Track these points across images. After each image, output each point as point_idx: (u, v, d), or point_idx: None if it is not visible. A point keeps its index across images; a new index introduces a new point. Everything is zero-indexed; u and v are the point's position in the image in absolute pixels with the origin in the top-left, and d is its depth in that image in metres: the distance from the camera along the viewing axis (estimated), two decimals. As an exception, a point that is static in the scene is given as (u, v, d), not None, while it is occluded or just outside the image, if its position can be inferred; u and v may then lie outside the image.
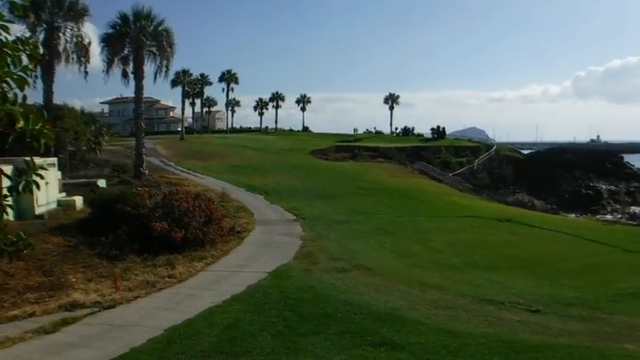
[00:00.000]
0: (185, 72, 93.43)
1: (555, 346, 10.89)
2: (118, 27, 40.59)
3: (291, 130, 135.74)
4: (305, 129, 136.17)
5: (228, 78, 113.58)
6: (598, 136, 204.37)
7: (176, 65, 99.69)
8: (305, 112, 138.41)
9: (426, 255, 21.59)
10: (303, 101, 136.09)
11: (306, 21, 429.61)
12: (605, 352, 10.42)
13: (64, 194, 27.49)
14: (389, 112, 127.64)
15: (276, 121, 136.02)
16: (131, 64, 41.18)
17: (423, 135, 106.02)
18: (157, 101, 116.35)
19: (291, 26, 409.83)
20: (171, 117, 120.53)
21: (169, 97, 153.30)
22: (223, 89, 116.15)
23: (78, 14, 38.11)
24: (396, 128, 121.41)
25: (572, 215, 48.61)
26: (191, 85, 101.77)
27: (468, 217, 31.25)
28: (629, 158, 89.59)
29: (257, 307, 13.68)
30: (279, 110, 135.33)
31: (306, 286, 15.72)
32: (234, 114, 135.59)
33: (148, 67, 41.43)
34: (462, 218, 31.08)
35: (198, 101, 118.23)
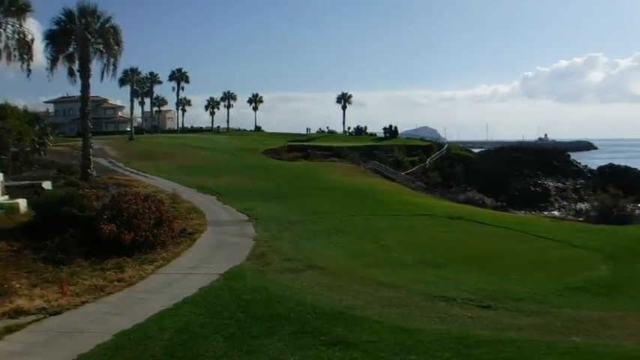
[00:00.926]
0: (133, 70, 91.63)
1: (505, 340, 11.09)
2: (62, 23, 39.37)
3: (243, 130, 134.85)
4: (257, 129, 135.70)
5: (179, 77, 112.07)
6: (546, 135, 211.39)
7: (124, 63, 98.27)
8: (257, 112, 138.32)
9: (379, 254, 21.71)
10: (255, 101, 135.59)
11: (259, 19, 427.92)
12: (553, 345, 10.68)
13: (6, 197, 26.47)
14: (342, 111, 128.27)
15: (228, 121, 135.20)
16: (77, 62, 39.98)
17: (375, 134, 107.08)
18: (105, 100, 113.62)
19: (243, 25, 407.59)
20: (120, 117, 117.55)
21: (118, 96, 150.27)
22: (173, 88, 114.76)
23: (20, 9, 36.61)
24: (349, 128, 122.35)
25: (522, 212, 49.79)
26: (140, 84, 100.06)
27: (421, 216, 31.60)
28: (575, 156, 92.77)
29: (209, 310, 13.46)
30: (231, 110, 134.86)
31: (259, 287, 15.57)
32: (185, 113, 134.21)
33: (95, 65, 40.27)
34: (415, 217, 31.41)
35: (147, 100, 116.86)
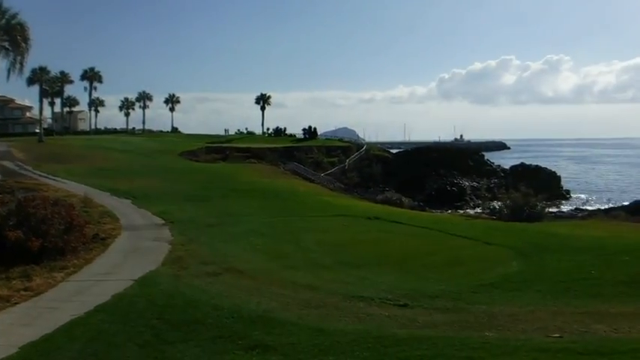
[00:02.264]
0: (43, 69, 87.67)
1: (421, 337, 11.35)
2: None
3: (160, 132, 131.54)
4: (174, 130, 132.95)
5: (91, 76, 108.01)
6: (461, 135, 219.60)
7: (32, 62, 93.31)
8: (174, 113, 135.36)
9: (297, 255, 21.70)
10: (172, 101, 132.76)
11: (175, 18, 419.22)
12: (467, 340, 11.02)
13: None
14: (261, 112, 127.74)
15: (143, 122, 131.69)
16: None
17: (294, 135, 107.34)
18: (12, 100, 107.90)
19: (159, 23, 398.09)
20: (28, 117, 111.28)
21: (25, 96, 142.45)
22: (86, 88, 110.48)
23: None
24: (268, 129, 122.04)
25: (438, 211, 51.17)
26: (50, 84, 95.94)
27: (339, 216, 31.91)
28: (489, 156, 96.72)
29: (122, 317, 12.98)
30: (146, 111, 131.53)
31: (175, 292, 15.20)
32: (99, 114, 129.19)
33: (1, 64, 38.27)
34: (333, 217, 31.69)
35: (58, 101, 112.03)
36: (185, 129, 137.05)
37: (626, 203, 53.67)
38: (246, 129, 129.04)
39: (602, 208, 52.39)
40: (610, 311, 13.71)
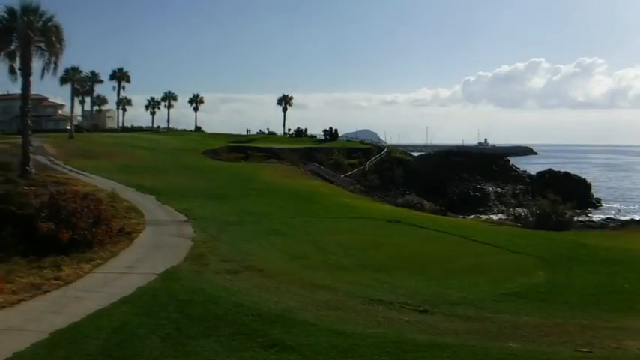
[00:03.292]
0: (75, 69, 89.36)
1: (442, 345, 11.15)
2: (4, 21, 38.87)
3: (183, 130, 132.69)
4: (197, 129, 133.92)
5: (120, 76, 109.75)
6: (485, 140, 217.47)
7: (65, 62, 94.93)
8: (198, 112, 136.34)
9: (317, 256, 21.68)
10: (196, 101, 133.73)
11: (200, 20, 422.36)
12: (490, 350, 10.77)
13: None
14: (282, 113, 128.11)
15: (168, 121, 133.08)
16: (18, 60, 39.39)
17: (315, 136, 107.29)
18: (46, 98, 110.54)
19: (185, 24, 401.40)
20: (60, 115, 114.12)
21: (58, 95, 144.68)
22: (114, 87, 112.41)
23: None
24: (289, 129, 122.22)
25: (460, 216, 50.31)
26: (81, 83, 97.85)
27: (359, 219, 31.83)
28: (514, 161, 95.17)
29: (146, 310, 13.13)
30: (171, 110, 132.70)
31: (196, 287, 15.32)
32: (126, 113, 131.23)
33: (36, 63, 39.50)
34: (353, 219, 31.62)
35: (88, 99, 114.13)
36: (208, 128, 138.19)
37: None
38: (268, 129, 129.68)
39: (636, 218, 51.20)
40: (644, 327, 13.32)
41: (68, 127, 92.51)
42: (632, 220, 46.83)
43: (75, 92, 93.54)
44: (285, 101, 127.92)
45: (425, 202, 50.38)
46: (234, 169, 59.76)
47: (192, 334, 11.48)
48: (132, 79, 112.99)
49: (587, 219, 51.81)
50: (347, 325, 12.71)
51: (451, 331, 12.51)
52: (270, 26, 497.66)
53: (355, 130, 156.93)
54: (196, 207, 31.54)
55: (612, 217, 57.01)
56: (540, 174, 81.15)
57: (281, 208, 34.53)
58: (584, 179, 78.52)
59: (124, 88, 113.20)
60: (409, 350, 10.78)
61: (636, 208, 69.18)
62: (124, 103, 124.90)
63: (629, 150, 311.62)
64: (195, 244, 21.95)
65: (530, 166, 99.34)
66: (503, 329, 12.77)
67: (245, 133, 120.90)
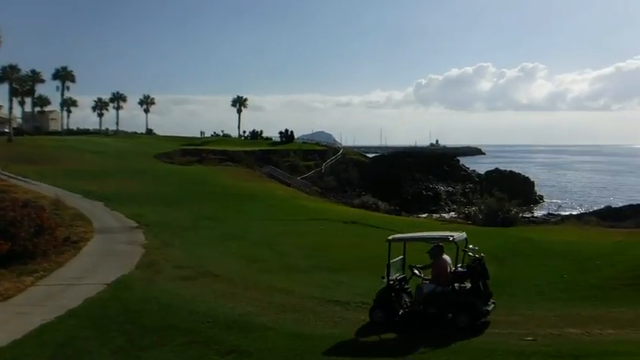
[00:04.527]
0: (13, 67, 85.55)
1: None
2: None
3: (134, 133, 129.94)
4: (149, 132, 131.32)
5: (64, 75, 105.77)
6: (437, 141, 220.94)
7: (2, 60, 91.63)
8: (149, 114, 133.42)
9: (274, 259, 21.60)
10: (146, 102, 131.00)
11: (151, 19, 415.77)
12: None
13: None
14: (237, 115, 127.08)
15: (117, 123, 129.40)
16: None
17: (271, 138, 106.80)
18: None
19: (134, 23, 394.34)
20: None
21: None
22: (58, 87, 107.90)
23: None
24: (244, 131, 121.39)
25: (414, 215, 51.19)
26: (20, 82, 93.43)
27: (316, 220, 31.87)
28: (464, 161, 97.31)
29: (95, 322, 12.82)
30: (120, 112, 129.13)
31: (148, 296, 15.05)
32: (71, 115, 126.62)
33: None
34: (310, 221, 31.64)
35: (28, 100, 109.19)
36: (160, 131, 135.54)
37: (597, 208, 54.45)
38: (223, 132, 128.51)
39: (575, 213, 52.97)
40: (582, 314, 13.89)
41: (6, 130, 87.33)
42: (571, 215, 48.56)
43: (13, 92, 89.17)
44: (239, 103, 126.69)
45: (380, 203, 50.71)
46: (188, 172, 58.96)
47: (145, 345, 11.27)
48: (77, 78, 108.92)
49: (531, 215, 53.49)
50: (305, 327, 12.79)
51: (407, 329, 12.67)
52: (225, 26, 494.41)
53: (311, 132, 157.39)
54: (148, 212, 30.95)
55: (553, 212, 59.08)
56: (488, 173, 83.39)
57: (237, 211, 34.25)
58: (528, 177, 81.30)
59: (68, 88, 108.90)
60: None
61: (575, 203, 71.78)
62: (68, 104, 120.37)
63: (568, 150, 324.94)
64: (148, 251, 21.57)
65: (478, 166, 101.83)
66: None
67: (199, 136, 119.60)
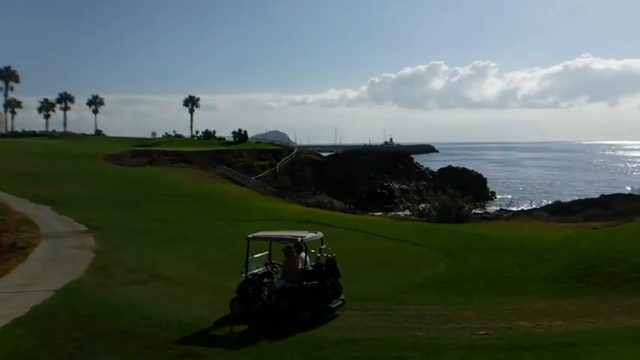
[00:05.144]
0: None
1: (353, 340, 11.51)
2: None
3: (82, 134, 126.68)
4: (98, 133, 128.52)
5: (7, 75, 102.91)
6: (391, 139, 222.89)
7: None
8: (98, 115, 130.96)
9: (228, 260, 21.23)
10: (95, 103, 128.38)
11: (99, 15, 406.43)
12: (398, 340, 11.25)
13: None
14: (189, 115, 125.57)
15: (64, 125, 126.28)
16: None
17: (224, 138, 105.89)
18: None
19: (81, 20, 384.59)
20: None
21: None
22: (1, 88, 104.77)
23: None
24: (197, 132, 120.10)
25: (369, 214, 51.55)
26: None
27: (270, 220, 31.63)
28: (418, 159, 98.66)
29: (43, 330, 12.40)
30: (68, 112, 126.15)
31: (99, 302, 14.68)
32: (15, 116, 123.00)
33: None
34: (264, 221, 31.36)
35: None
36: (110, 132, 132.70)
37: (546, 204, 56.02)
38: (175, 132, 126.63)
39: (525, 208, 54.36)
40: (532, 307, 14.27)
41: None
42: (522, 211, 49.71)
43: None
44: (192, 102, 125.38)
45: (335, 202, 50.84)
46: (140, 174, 57.80)
47: (96, 352, 11.02)
48: (21, 79, 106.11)
49: (483, 211, 54.89)
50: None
51: (362, 326, 12.86)
52: (177, 25, 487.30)
53: (265, 132, 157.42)
54: (98, 216, 30.17)
55: (505, 208, 60.52)
56: (441, 170, 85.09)
57: (190, 213, 33.77)
58: (481, 174, 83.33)
59: (12, 88, 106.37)
60: (321, 348, 11.05)
61: (525, 199, 73.76)
62: (12, 105, 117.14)
63: (518, 146, 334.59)
64: (98, 255, 21.04)
65: (432, 163, 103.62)
66: (410, 320, 13.30)
67: (150, 137, 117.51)
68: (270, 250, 15.22)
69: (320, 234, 15.26)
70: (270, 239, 15.57)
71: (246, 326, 12.97)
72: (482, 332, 11.73)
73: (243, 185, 58.96)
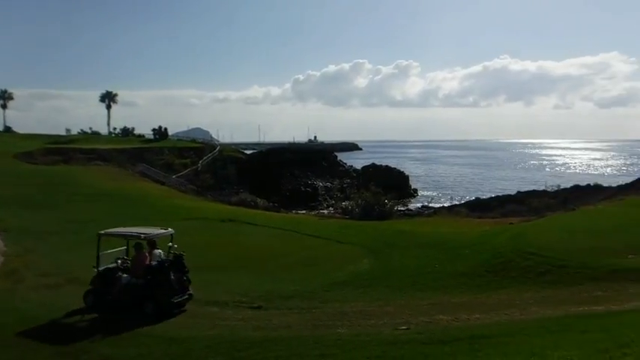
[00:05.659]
0: None
1: (276, 339, 11.47)
2: None
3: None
4: (7, 129, 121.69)
5: None
6: (315, 137, 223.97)
7: None
8: (7, 111, 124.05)
9: (149, 261, 20.78)
10: (3, 97, 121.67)
11: (9, 4, 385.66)
12: (320, 338, 11.27)
13: None
14: (107, 111, 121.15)
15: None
16: None
17: (144, 136, 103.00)
18: None
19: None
20: None
21: None
22: None
23: None
24: (115, 129, 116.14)
25: (293, 212, 51.54)
26: None
27: (192, 220, 31.04)
28: (342, 157, 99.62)
29: (-57, 342, 11.56)
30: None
31: (8, 308, 13.94)
32: None
33: None
34: (186, 221, 30.68)
35: None
36: (21, 128, 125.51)
37: (466, 200, 57.97)
38: (91, 129, 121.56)
39: (446, 205, 56.00)
40: (452, 301, 14.73)
41: None
42: (443, 207, 51.22)
43: None
44: (109, 98, 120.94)
45: (258, 200, 50.50)
46: (53, 173, 55.05)
47: (3, 362, 10.37)
48: None
49: (405, 208, 56.14)
50: (181, 330, 12.52)
51: (284, 325, 12.89)
52: (95, 17, 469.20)
53: (187, 129, 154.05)
54: (8, 217, 28.54)
55: (426, 204, 62.10)
56: (365, 168, 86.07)
57: (107, 213, 32.47)
58: (403, 172, 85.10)
59: None
60: (243, 349, 10.92)
61: (446, 195, 76.37)
62: None
63: (440, 144, 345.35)
64: (8, 259, 19.98)
65: (355, 161, 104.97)
66: (333, 317, 13.48)
67: (65, 134, 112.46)
68: (127, 246, 15.82)
69: (171, 230, 15.88)
70: (119, 235, 15.96)
71: (168, 328, 12.60)
72: (403, 327, 11.96)
73: (163, 184, 57.54)
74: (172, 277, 14.42)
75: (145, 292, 14.02)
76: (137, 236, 15.13)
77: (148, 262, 14.65)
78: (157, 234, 15.44)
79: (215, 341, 11.46)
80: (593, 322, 10.79)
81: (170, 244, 15.48)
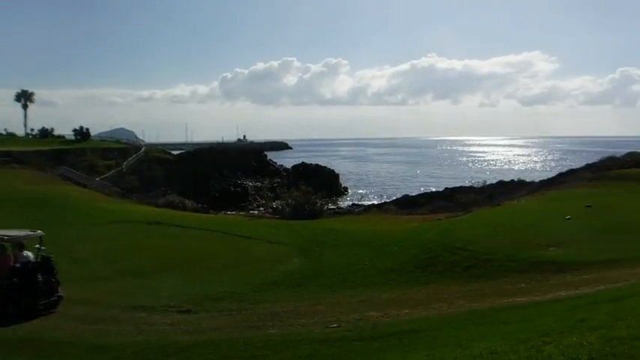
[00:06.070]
0: None
1: (205, 342, 11.25)
2: None
3: None
4: None
5: None
6: (244, 136, 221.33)
7: None
8: None
9: (71, 268, 19.74)
10: None
11: None
12: (251, 340, 11.15)
13: None
14: (23, 111, 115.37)
15: None
16: None
17: (64, 137, 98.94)
18: None
19: None
20: None
21: None
22: None
23: None
24: (32, 129, 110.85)
25: (223, 213, 50.91)
26: None
27: (117, 223, 30.08)
28: (272, 156, 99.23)
29: None
30: None
31: None
32: None
33: None
34: (110, 224, 29.77)
35: None
36: None
37: (396, 197, 58.94)
38: (6, 130, 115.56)
39: (376, 203, 56.81)
40: (381, 298, 14.92)
41: None
42: (373, 205, 51.89)
43: None
44: (25, 97, 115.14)
45: (186, 201, 49.55)
46: (-36, 177, 52.04)
47: None
48: None
49: (336, 206, 56.60)
50: (107, 338, 12.11)
51: (214, 328, 12.71)
52: (8, 10, 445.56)
53: (110, 129, 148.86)
54: None
55: (357, 202, 62.81)
56: (295, 167, 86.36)
57: (25, 218, 30.63)
58: (333, 170, 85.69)
59: None
60: (173, 353, 10.66)
61: (376, 193, 77.44)
62: None
63: (369, 142, 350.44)
64: None
65: (285, 160, 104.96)
66: (263, 318, 13.40)
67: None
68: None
69: (40, 232, 15.69)
70: None
71: (93, 336, 12.11)
72: (334, 325, 12.00)
73: (85, 186, 55.49)
74: (40, 278, 14.30)
75: (8, 293, 13.84)
76: (0, 238, 14.85)
77: (12, 264, 14.47)
78: (23, 236, 15.31)
79: (142, 347, 11.10)
80: (517, 313, 11.17)
81: (38, 245, 15.31)
